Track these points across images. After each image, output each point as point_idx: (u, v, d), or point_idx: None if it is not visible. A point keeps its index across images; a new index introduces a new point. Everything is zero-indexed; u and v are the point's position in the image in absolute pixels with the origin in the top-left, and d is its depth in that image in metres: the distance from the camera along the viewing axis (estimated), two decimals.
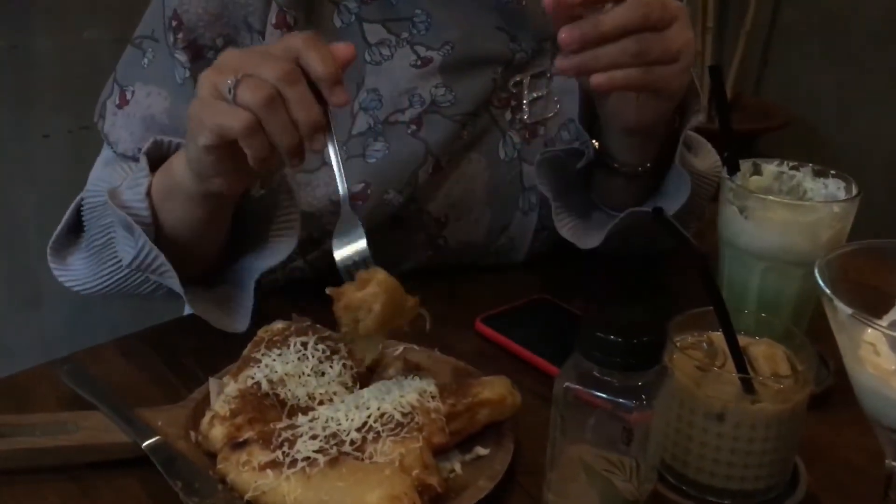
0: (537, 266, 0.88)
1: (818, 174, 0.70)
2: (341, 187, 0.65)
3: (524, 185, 0.85)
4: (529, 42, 0.82)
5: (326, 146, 0.62)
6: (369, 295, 0.56)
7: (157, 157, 0.71)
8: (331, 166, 0.77)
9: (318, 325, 0.66)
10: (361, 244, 0.65)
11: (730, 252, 0.69)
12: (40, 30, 1.44)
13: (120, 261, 0.70)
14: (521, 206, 0.85)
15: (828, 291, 0.43)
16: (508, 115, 0.83)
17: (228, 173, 0.64)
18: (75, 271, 0.75)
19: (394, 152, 0.79)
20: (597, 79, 0.64)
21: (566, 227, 0.79)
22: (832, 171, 0.69)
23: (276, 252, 0.72)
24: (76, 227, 0.77)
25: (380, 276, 0.57)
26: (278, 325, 0.66)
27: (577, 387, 0.48)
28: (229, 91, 0.59)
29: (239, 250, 0.75)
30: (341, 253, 0.64)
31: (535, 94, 0.84)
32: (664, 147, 0.77)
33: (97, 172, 0.83)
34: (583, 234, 0.78)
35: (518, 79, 0.83)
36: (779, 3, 2.30)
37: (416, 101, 0.79)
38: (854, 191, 0.67)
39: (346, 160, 0.78)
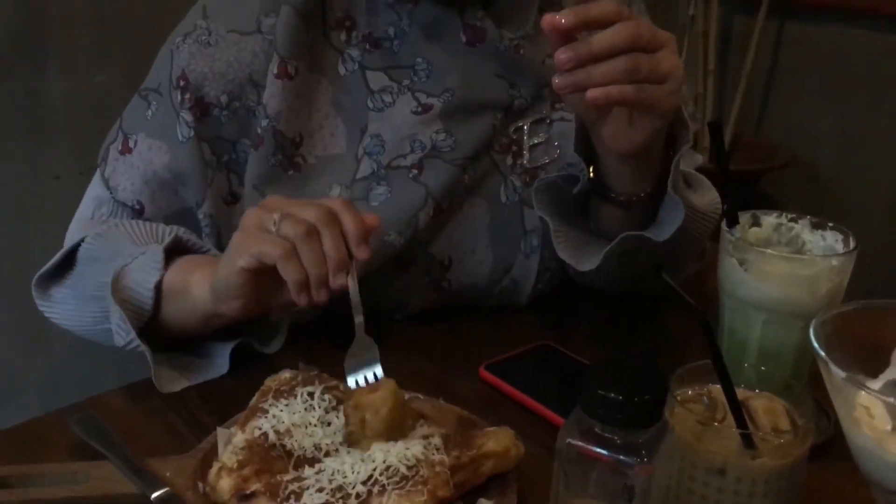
0: (540, 309, 0.90)
1: (816, 226, 0.71)
2: (357, 318, 0.71)
3: (526, 228, 0.86)
4: (528, 88, 0.84)
5: (347, 287, 0.69)
6: (379, 397, 0.59)
7: (170, 245, 0.76)
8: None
9: (324, 375, 0.67)
10: (377, 366, 0.70)
11: (730, 303, 0.70)
12: (54, 74, 1.47)
13: (104, 314, 0.75)
14: (524, 249, 0.87)
15: (822, 354, 0.44)
16: (509, 160, 0.85)
17: (247, 299, 0.69)
18: (60, 306, 0.80)
19: (395, 196, 0.81)
20: (592, 93, 0.66)
21: (564, 250, 0.80)
22: (830, 224, 0.70)
23: (260, 346, 0.77)
24: (63, 265, 0.81)
25: (391, 384, 0.60)
26: (285, 374, 0.66)
27: (580, 443, 0.49)
28: (274, 224, 0.67)
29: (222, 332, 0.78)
30: (354, 372, 0.70)
31: (535, 140, 0.86)
32: (660, 182, 0.78)
33: (88, 209, 0.86)
34: (580, 256, 0.79)
35: (519, 125, 0.85)
36: (779, 45, 2.33)
37: (417, 147, 0.81)
38: (852, 244, 0.68)
39: None
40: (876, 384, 0.46)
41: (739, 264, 0.68)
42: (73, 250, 0.81)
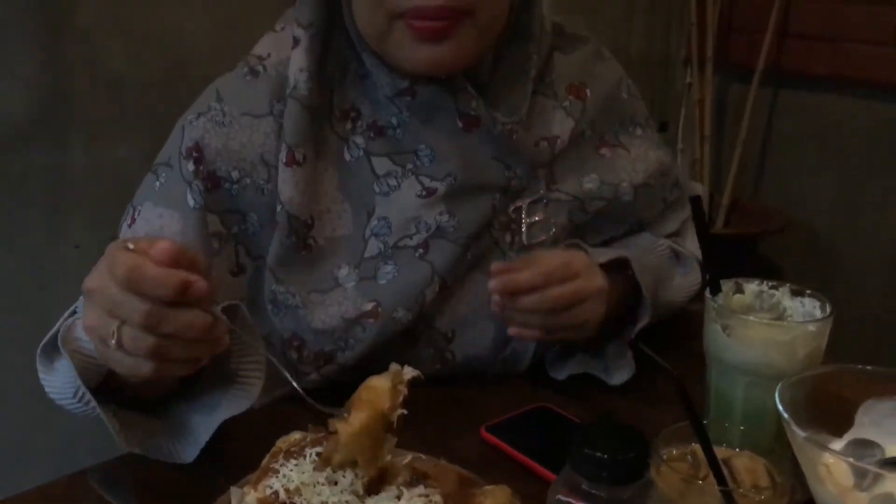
0: (538, 372, 0.93)
1: (795, 293, 0.75)
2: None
3: None
4: (523, 169, 0.89)
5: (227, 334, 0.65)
6: (348, 458, 0.61)
7: None
8: (343, 287, 0.83)
9: (332, 436, 0.70)
10: None
11: (716, 366, 0.74)
12: (77, 148, 1.54)
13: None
14: None
15: (785, 416, 0.48)
16: (508, 238, 0.90)
17: (156, 380, 0.67)
18: (55, 379, 0.75)
19: (402, 274, 0.85)
20: (510, 331, 0.85)
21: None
22: (808, 291, 0.75)
23: (234, 406, 0.73)
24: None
25: (342, 434, 0.61)
26: (295, 435, 0.70)
27: (569, 500, 0.52)
28: (118, 347, 0.62)
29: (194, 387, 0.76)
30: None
31: (532, 219, 0.91)
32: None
33: None
34: (551, 367, 0.92)
35: (517, 205, 0.90)
36: (773, 113, 2.41)
37: (422, 227, 0.85)
38: (828, 310, 0.72)
39: (357, 282, 0.85)
40: (840, 443, 0.50)
41: (723, 329, 0.72)
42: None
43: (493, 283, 0.82)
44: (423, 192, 0.86)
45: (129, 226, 0.85)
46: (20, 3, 1.44)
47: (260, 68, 0.86)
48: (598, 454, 0.51)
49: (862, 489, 0.45)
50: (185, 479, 0.73)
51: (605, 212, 0.93)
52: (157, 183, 0.85)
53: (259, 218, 0.84)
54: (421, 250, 0.85)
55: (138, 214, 0.84)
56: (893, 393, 0.55)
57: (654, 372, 0.92)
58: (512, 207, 0.90)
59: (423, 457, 0.72)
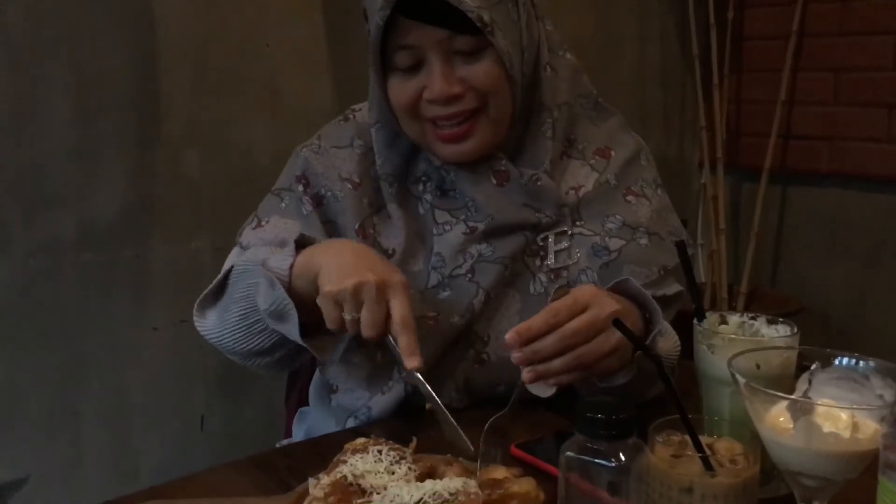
0: (561, 405, 1.07)
1: (771, 322, 0.91)
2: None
3: None
4: (551, 209, 1.09)
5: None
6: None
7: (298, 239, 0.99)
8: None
9: (390, 441, 0.86)
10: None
11: (704, 381, 0.88)
12: (158, 243, 1.76)
13: (246, 312, 0.99)
14: None
15: (729, 369, 0.63)
16: (538, 262, 1.09)
17: None
18: (209, 321, 1.04)
19: (456, 293, 1.06)
20: (525, 375, 0.92)
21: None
22: (780, 319, 0.90)
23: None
24: (218, 293, 1.05)
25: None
26: (360, 440, 0.86)
27: (576, 455, 0.67)
28: (348, 316, 0.91)
29: None
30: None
31: (558, 247, 1.09)
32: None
33: (236, 256, 1.12)
34: (537, 387, 0.98)
35: (545, 235, 1.09)
36: (783, 207, 2.58)
37: (468, 257, 1.07)
38: (795, 330, 0.87)
39: (422, 298, 1.05)
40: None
41: (708, 349, 0.87)
42: (226, 277, 1.05)
43: (508, 336, 0.89)
44: (468, 231, 1.08)
45: (254, 229, 1.12)
46: (116, 119, 1.70)
47: (351, 116, 1.16)
48: (598, 416, 0.66)
49: (791, 424, 0.59)
50: (261, 481, 0.89)
51: (625, 254, 1.09)
52: (283, 204, 1.12)
53: (343, 223, 1.09)
54: (469, 275, 1.06)
55: (266, 223, 1.12)
56: (826, 365, 0.70)
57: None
58: (540, 237, 1.09)
59: (461, 460, 0.87)
